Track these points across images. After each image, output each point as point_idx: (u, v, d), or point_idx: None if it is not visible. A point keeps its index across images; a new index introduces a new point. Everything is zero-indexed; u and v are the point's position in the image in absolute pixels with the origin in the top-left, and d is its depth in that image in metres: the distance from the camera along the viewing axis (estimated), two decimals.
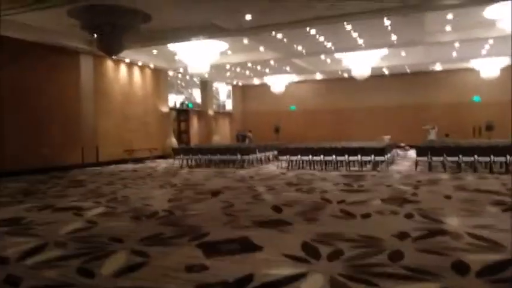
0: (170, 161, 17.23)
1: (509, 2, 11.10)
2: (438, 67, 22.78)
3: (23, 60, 13.59)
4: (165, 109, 20.64)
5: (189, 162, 15.68)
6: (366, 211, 6.27)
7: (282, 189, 8.92)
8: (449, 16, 12.96)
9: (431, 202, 6.95)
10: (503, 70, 20.43)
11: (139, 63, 18.65)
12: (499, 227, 5.14)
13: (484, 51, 18.22)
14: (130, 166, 16.22)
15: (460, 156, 11.48)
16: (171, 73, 21.55)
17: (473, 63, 20.74)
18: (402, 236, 4.76)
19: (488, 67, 20.27)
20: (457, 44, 16.63)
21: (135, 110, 18.65)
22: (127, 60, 17.74)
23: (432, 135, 20.75)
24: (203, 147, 16.46)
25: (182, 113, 23.78)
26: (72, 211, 6.87)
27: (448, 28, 14.63)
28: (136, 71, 18.80)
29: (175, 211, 6.62)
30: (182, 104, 23.45)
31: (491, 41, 16.08)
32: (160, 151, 19.96)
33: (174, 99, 22.52)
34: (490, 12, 12.26)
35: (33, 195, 8.83)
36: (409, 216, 5.91)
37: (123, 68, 17.95)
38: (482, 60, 19.99)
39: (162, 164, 16.69)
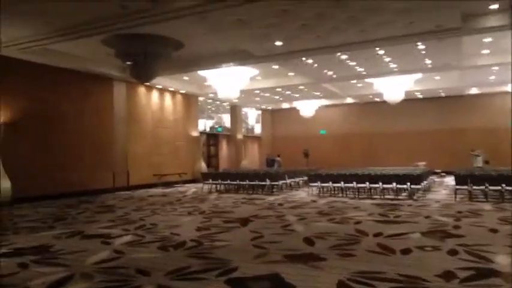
0: (199, 185, 17.16)
1: None
2: (474, 91, 22.00)
3: (60, 86, 14.07)
4: (195, 133, 20.78)
5: (218, 187, 15.55)
6: (405, 246, 5.85)
7: (313, 218, 8.58)
8: (487, 39, 12.51)
9: (476, 237, 6.44)
10: None
11: (171, 89, 18.96)
12: None
13: None
14: (159, 190, 16.26)
15: (504, 185, 10.79)
16: (201, 98, 21.78)
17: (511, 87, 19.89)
18: (448, 276, 4.35)
19: None
20: (494, 68, 16.01)
21: (166, 135, 18.86)
22: (159, 86, 18.07)
23: (479, 162, 19.63)
24: (232, 172, 16.32)
25: (212, 137, 23.89)
26: (100, 239, 6.79)
27: (485, 51, 14.12)
28: (167, 97, 19.10)
29: (203, 241, 6.41)
30: (212, 128, 23.60)
31: None
32: (189, 175, 19.99)
33: (204, 124, 22.70)
34: None
35: (63, 221, 8.86)
36: (453, 252, 5.45)
37: (154, 94, 18.28)
38: None
39: (191, 189, 16.64)
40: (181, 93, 19.91)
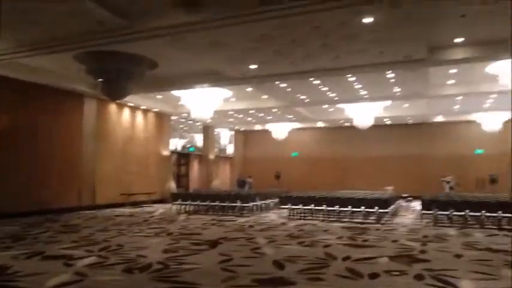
0: (168, 205, 16.82)
1: (510, 59, 11.26)
2: (440, 118, 22.88)
3: (31, 101, 13.66)
4: (166, 152, 20.51)
5: (188, 208, 15.30)
6: (373, 270, 5.89)
7: (283, 241, 8.54)
8: (453, 70, 13.12)
9: (441, 262, 6.57)
10: (505, 124, 20.46)
11: (143, 107, 18.75)
12: None
13: (486, 105, 18.33)
14: (127, 210, 15.82)
15: (467, 211, 11.13)
16: (174, 117, 21.63)
17: (476, 116, 20.83)
18: None
19: (490, 121, 20.33)
20: (459, 98, 16.76)
21: (136, 153, 18.51)
22: (130, 104, 17.83)
23: (449, 188, 20.06)
24: (202, 192, 16.12)
25: (183, 157, 23.63)
26: (61, 260, 6.50)
27: (451, 82, 14.78)
28: (139, 115, 18.85)
29: (170, 264, 6.24)
30: (183, 147, 23.39)
31: (493, 96, 16.19)
32: (158, 195, 19.60)
33: (176, 143, 22.47)
34: (492, 68, 12.40)
35: (23, 241, 8.45)
36: (419, 277, 5.53)
37: (126, 112, 18.01)
38: (484, 113, 20.08)
39: (159, 209, 16.28)
40: (154, 112, 19.71)
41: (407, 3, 7.56)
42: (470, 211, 11.11)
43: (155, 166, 19.71)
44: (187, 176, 23.90)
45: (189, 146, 24.07)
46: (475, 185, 21.88)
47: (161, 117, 20.30)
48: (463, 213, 11.21)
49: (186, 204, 15.10)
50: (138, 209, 16.35)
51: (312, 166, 26.75)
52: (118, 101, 16.32)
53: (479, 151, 23.04)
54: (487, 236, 9.54)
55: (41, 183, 13.83)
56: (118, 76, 11.33)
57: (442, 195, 14.84)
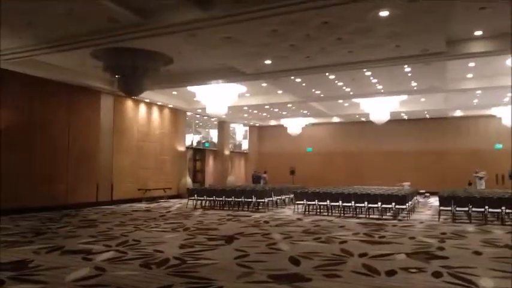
0: (184, 201, 16.97)
1: None
2: (458, 113, 22.45)
3: (48, 97, 13.90)
4: (181, 148, 20.66)
5: (203, 203, 15.41)
6: (391, 267, 5.85)
7: (299, 237, 8.53)
8: (471, 64, 12.84)
9: (460, 259, 6.48)
10: None
11: (159, 103, 18.89)
12: None
13: (506, 99, 17.91)
14: (143, 205, 16.02)
15: (486, 207, 10.93)
16: (189, 113, 21.75)
17: (495, 111, 20.37)
18: None
19: (510, 115, 19.83)
20: (478, 92, 16.41)
21: (152, 149, 18.70)
22: (146, 100, 17.98)
23: (482, 185, 19.25)
24: (218, 188, 16.20)
25: (198, 152, 23.78)
26: (81, 255, 6.63)
27: (469, 76, 14.48)
28: (155, 111, 19.01)
29: (187, 259, 6.30)
30: (199, 143, 23.52)
31: None
32: (175, 190, 19.79)
33: (191, 139, 22.61)
34: None
35: (43, 235, 8.63)
36: (437, 275, 5.47)
37: (142, 108, 18.18)
38: (504, 108, 19.62)
39: (176, 205, 16.44)
40: (169, 108, 19.85)
41: None
42: (490, 207, 10.91)
43: (171, 162, 19.88)
44: (203, 171, 24.04)
45: (204, 141, 24.18)
46: (495, 181, 21.44)
47: (176, 113, 20.44)
48: (482, 209, 11.01)
49: (201, 200, 15.21)
50: (154, 204, 16.54)
51: (327, 161, 26.59)
52: (134, 97, 16.50)
53: (498, 146, 22.55)
54: (507, 232, 9.36)
55: (60, 178, 14.10)
56: (134, 72, 11.43)
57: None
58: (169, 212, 13.72)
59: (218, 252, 6.95)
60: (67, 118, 14.56)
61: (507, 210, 10.74)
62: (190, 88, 16.28)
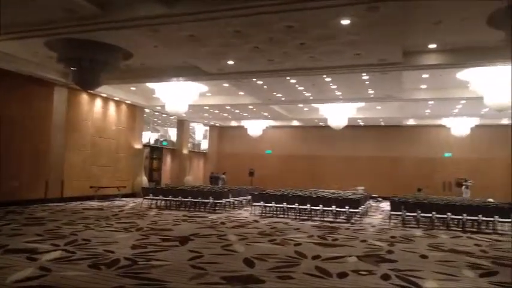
0: (139, 200, 16.55)
1: (481, 67, 11.65)
2: (412, 122, 23.43)
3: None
4: (138, 146, 20.16)
5: (159, 203, 15.10)
6: (342, 269, 5.98)
7: (254, 239, 8.54)
8: (425, 75, 13.44)
9: (407, 262, 6.73)
10: (473, 129, 21.18)
11: (116, 98, 18.33)
12: None
13: (455, 111, 18.89)
14: (96, 204, 15.47)
15: (433, 213, 11.46)
16: (147, 110, 21.28)
17: (445, 121, 21.44)
18: None
19: (459, 126, 20.97)
20: (431, 102, 17.20)
21: (107, 145, 18.10)
22: (103, 95, 17.39)
23: (467, 193, 19.48)
24: (174, 188, 15.93)
25: (156, 151, 23.30)
26: (25, 254, 6.28)
27: (423, 86, 15.15)
28: (111, 106, 18.43)
29: (139, 260, 6.14)
30: (156, 141, 23.05)
31: (463, 102, 16.70)
32: (129, 189, 19.26)
33: (149, 136, 22.13)
34: (463, 74, 12.77)
35: None
36: (386, 277, 5.65)
37: (98, 102, 17.56)
38: (453, 118, 20.70)
39: (129, 204, 16.00)
40: (127, 104, 19.31)
41: (385, 7, 7.66)
42: (437, 213, 11.45)
43: (126, 159, 19.34)
44: (160, 170, 23.59)
45: (162, 139, 23.74)
46: (442, 188, 22.55)
47: (134, 110, 19.93)
48: (429, 215, 11.53)
49: (157, 199, 14.89)
50: (107, 203, 16.01)
51: (286, 164, 26.90)
52: (90, 91, 15.90)
53: (447, 154, 23.76)
54: (452, 237, 9.85)
55: (7, 173, 13.32)
56: (91, 65, 11.00)
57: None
58: (122, 211, 13.33)
59: (171, 253, 6.82)
60: (17, 110, 13.79)
61: (452, 216, 11.30)
62: (149, 84, 15.94)
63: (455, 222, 11.77)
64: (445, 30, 9.24)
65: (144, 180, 20.09)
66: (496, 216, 10.89)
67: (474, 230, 11.22)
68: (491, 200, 16.16)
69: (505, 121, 21.47)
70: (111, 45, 10.95)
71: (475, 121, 20.69)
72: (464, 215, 11.10)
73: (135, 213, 12.78)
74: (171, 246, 7.42)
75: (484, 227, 11.40)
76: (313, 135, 26.36)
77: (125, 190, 18.84)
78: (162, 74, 13.67)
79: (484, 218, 10.99)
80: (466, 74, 12.70)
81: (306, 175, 25.89)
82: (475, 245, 8.85)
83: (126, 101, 19.01)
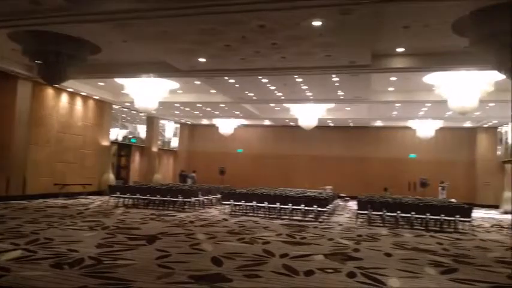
0: (105, 198, 16.18)
1: (446, 71, 12.07)
2: (379, 123, 24.00)
3: None
4: (105, 142, 19.69)
5: (126, 201, 14.80)
6: (309, 267, 6.06)
7: (223, 238, 8.52)
8: (393, 78, 13.79)
9: (372, 260, 6.89)
10: (437, 131, 21.91)
11: (83, 94, 17.83)
12: None
13: (421, 113, 19.49)
14: (60, 201, 15.00)
15: (398, 212, 11.79)
16: (116, 106, 20.81)
17: (411, 123, 22.09)
18: None
19: (424, 128, 21.65)
20: (397, 104, 17.67)
21: (73, 141, 17.58)
22: (70, 90, 16.88)
23: (443, 194, 19.80)
24: (142, 186, 15.67)
25: (124, 148, 22.81)
26: None
27: (391, 89, 15.54)
28: (78, 101, 17.91)
29: (104, 259, 5.99)
30: (125, 138, 22.57)
31: (428, 104, 17.24)
32: (95, 187, 18.79)
33: (117, 133, 21.63)
34: (429, 78, 13.20)
35: None
36: (351, 275, 5.77)
37: (64, 97, 17.02)
38: (419, 121, 21.35)
39: (96, 202, 15.61)
40: (94, 99, 18.81)
41: (356, 11, 7.80)
42: (402, 212, 11.78)
43: (93, 156, 18.86)
44: (128, 168, 23.12)
45: (131, 136, 23.28)
46: (407, 188, 23.22)
47: (102, 105, 19.44)
48: (394, 214, 11.85)
49: (124, 198, 14.60)
50: (72, 201, 15.56)
51: (257, 163, 26.97)
52: (56, 86, 15.39)
53: (412, 156, 24.48)
54: (415, 236, 10.16)
55: None
56: (57, 59, 10.63)
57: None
58: (88, 209, 12.99)
59: (138, 252, 6.70)
60: None
61: (416, 216, 11.66)
62: (118, 80, 15.59)
63: (419, 221, 12.15)
64: (412, 35, 9.51)
65: (111, 177, 19.65)
66: (457, 216, 11.32)
67: (437, 229, 11.62)
68: (453, 200, 16.80)
69: (468, 124, 22.41)
70: (78, 39, 10.63)
71: (439, 123, 21.41)
72: (428, 214, 11.48)
73: (101, 211, 12.48)
74: (138, 245, 7.29)
75: (446, 226, 11.82)
76: (284, 134, 26.55)
77: (91, 188, 18.37)
78: (132, 69, 13.40)
79: (446, 218, 11.39)
80: (431, 78, 13.12)
81: (276, 174, 26.06)
82: (437, 243, 9.17)
83: (94, 97, 18.53)
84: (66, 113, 17.20)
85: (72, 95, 17.44)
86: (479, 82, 12.36)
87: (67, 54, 10.75)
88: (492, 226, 13.27)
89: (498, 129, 22.64)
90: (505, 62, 8.06)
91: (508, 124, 20.91)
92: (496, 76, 11.62)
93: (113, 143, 20.96)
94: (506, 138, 21.55)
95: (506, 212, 18.21)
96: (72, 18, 8.56)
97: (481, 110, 16.75)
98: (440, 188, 19.38)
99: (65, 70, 11.19)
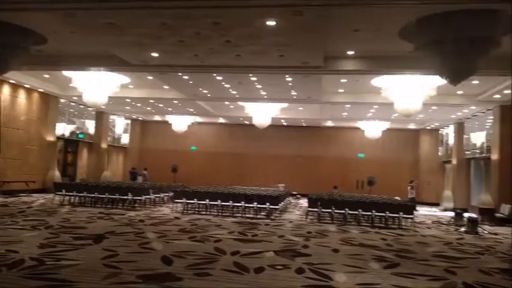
0: (50, 196, 15.42)
1: (393, 75, 12.64)
2: (330, 124, 24.68)
3: None
4: (51, 138, 18.75)
5: (73, 199, 14.19)
6: (259, 264, 6.14)
7: (174, 236, 8.42)
8: (344, 80, 14.23)
9: (320, 256, 7.10)
10: (384, 132, 22.88)
11: (27, 86, 16.86)
12: (382, 285, 5.37)
13: (369, 114, 20.26)
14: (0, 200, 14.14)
15: (346, 209, 12.20)
16: (63, 100, 19.87)
17: (360, 124, 22.90)
18: None
19: (371, 128, 22.52)
20: (347, 106, 18.25)
21: (15, 136, 16.58)
22: (12, 81, 15.90)
23: (413, 193, 20.16)
24: (90, 183, 15.09)
25: (71, 144, 21.83)
26: None
27: (341, 90, 16.03)
28: (21, 94, 16.92)
29: (46, 260, 5.73)
30: (72, 133, 21.61)
31: (376, 106, 17.96)
32: (39, 184, 17.85)
33: (64, 128, 20.66)
34: (377, 81, 13.75)
35: None
36: (300, 271, 5.91)
37: (5, 89, 15.99)
38: (367, 122, 22.19)
39: (39, 200, 14.83)
40: (39, 92, 17.85)
41: (308, 12, 7.97)
42: (349, 210, 12.20)
43: (37, 152, 17.90)
44: (75, 164, 22.17)
45: (78, 132, 22.32)
46: (355, 186, 24.09)
47: (48, 99, 18.49)
48: (343, 211, 12.25)
49: (70, 196, 13.99)
50: (13, 199, 14.69)
51: (211, 161, 26.83)
52: None
53: (360, 155, 25.41)
54: (362, 232, 10.57)
55: None
56: None
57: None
58: (30, 207, 12.33)
59: (84, 252, 6.47)
60: None
61: (363, 213, 12.13)
62: (66, 73, 14.89)
63: (366, 218, 12.64)
64: (362, 38, 9.86)
65: (56, 175, 18.75)
66: (401, 213, 11.90)
67: (382, 225, 12.15)
68: (397, 198, 17.63)
69: (412, 126, 23.59)
70: (21, 28, 10.02)
71: (386, 125, 22.36)
72: (373, 211, 11.98)
73: (45, 210, 11.89)
74: (84, 244, 7.04)
75: (390, 223, 12.39)
76: (239, 133, 26.61)
77: (35, 185, 17.43)
78: (80, 62, 12.82)
79: (390, 214, 11.94)
80: (379, 81, 13.69)
81: (230, 172, 26.07)
82: (382, 239, 9.59)
83: (39, 89, 17.59)
84: (8, 106, 16.18)
85: (15, 87, 16.44)
86: (423, 86, 13.06)
87: (9, 43, 10.10)
88: (433, 223, 14.08)
89: (439, 131, 24.05)
90: (447, 67, 8.58)
91: (448, 126, 22.29)
92: (438, 81, 12.33)
93: (59, 138, 20.01)
94: (447, 140, 22.96)
95: (446, 210, 19.39)
96: (14, 6, 8.08)
97: (424, 112, 17.71)
98: (409, 187, 20.23)
99: (6, 60, 10.52)
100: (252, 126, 21.95)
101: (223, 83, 15.21)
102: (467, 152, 19.93)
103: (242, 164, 26.42)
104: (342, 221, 12.44)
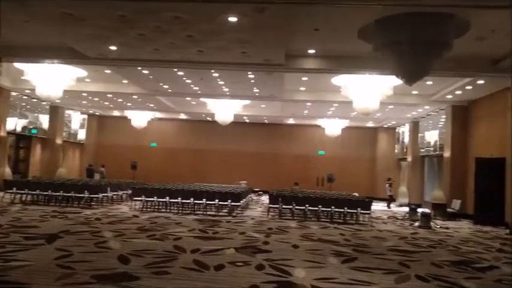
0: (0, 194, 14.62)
1: (352, 74, 12.94)
2: (291, 121, 24.96)
3: None
4: (0, 133, 17.76)
5: (24, 197, 13.53)
6: (220, 261, 6.11)
7: (132, 235, 8.22)
8: (305, 78, 14.42)
9: (281, 252, 7.16)
10: (344, 130, 23.41)
11: None
12: (340, 279, 5.49)
13: (329, 112, 20.67)
14: None
15: (307, 205, 12.40)
16: (14, 93, 18.86)
17: (320, 122, 23.32)
18: None
19: (331, 126, 22.98)
20: (308, 104, 18.52)
21: None
22: None
23: (391, 191, 20.17)
24: (43, 180, 14.44)
25: (23, 139, 20.80)
26: None
27: (302, 88, 16.23)
28: None
29: None
30: (24, 128, 20.59)
31: (336, 105, 18.33)
32: None
33: (15, 123, 19.63)
34: (337, 80, 14.03)
35: None
36: (260, 267, 5.93)
37: None
38: (327, 120, 22.62)
39: None
40: None
41: (270, 10, 7.99)
42: (310, 206, 12.41)
43: None
44: (27, 161, 21.15)
45: (31, 127, 21.29)
46: (316, 183, 24.52)
47: None
48: (303, 207, 12.44)
49: (22, 193, 13.33)
50: None
51: (172, 158, 26.42)
52: None
53: (321, 152, 25.89)
54: (321, 228, 10.78)
55: None
56: None
57: (299, 191, 16.01)
58: None
59: (35, 252, 6.18)
60: None
61: (322, 209, 12.38)
62: (17, 64, 14.15)
63: (325, 214, 12.90)
64: (322, 37, 10.01)
65: (7, 172, 17.79)
66: (359, 209, 12.24)
67: (340, 221, 12.44)
68: (356, 194, 18.12)
69: (370, 124, 24.30)
70: None
71: (345, 123, 22.90)
72: (333, 207, 12.25)
73: None
74: (36, 244, 6.73)
75: (348, 218, 12.72)
76: (201, 129, 26.36)
77: None
78: (34, 53, 12.20)
79: (348, 210, 12.26)
80: (339, 80, 13.98)
81: (192, 169, 25.80)
82: (340, 234, 9.83)
83: None
84: None
85: None
86: (380, 86, 13.48)
87: None
88: (389, 218, 14.59)
89: (396, 130, 24.92)
90: (402, 68, 8.88)
91: (404, 125, 23.14)
92: (395, 81, 12.75)
93: (10, 133, 18.99)
94: (403, 138, 23.84)
95: (401, 205, 20.15)
96: None
97: (382, 111, 18.27)
98: (387, 185, 20.66)
99: None
100: (214, 122, 21.82)
101: (184, 79, 14.99)
102: (421, 150, 20.76)
103: (204, 161, 26.22)
104: (302, 217, 12.63)
